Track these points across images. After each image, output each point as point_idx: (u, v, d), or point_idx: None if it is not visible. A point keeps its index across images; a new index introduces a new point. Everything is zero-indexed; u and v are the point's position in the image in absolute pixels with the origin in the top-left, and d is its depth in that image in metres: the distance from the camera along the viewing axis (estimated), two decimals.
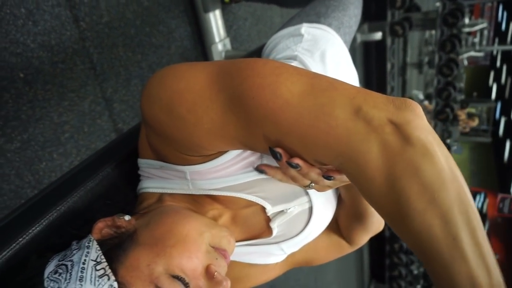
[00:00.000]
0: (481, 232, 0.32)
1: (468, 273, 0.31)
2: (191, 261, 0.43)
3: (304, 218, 0.58)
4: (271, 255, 0.62)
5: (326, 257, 0.73)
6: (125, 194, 0.55)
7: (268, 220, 0.55)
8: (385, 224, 0.71)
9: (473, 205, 0.33)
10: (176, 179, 0.51)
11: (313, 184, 0.45)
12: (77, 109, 1.00)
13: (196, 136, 0.42)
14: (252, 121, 0.39)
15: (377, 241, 3.92)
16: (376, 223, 0.68)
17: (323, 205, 0.58)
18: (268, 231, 0.56)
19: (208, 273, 0.44)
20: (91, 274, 0.38)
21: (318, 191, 0.49)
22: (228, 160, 0.48)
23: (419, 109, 0.36)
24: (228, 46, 1.62)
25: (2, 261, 0.42)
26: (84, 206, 0.49)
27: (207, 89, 0.40)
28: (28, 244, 0.44)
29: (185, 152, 0.46)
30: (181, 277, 0.41)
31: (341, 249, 0.73)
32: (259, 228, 0.57)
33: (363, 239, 0.68)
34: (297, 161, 0.40)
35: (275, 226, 0.55)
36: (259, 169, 0.46)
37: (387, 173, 0.34)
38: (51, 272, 0.39)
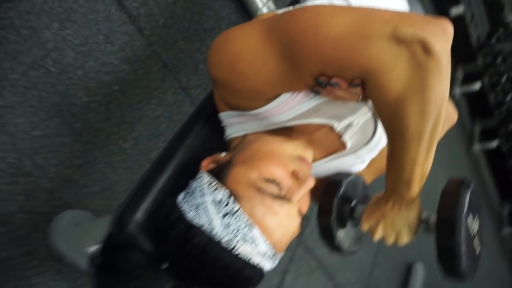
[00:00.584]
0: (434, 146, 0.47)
1: (414, 157, 0.47)
2: (278, 168, 0.54)
3: (371, 125, 0.64)
4: (352, 165, 0.69)
5: None
6: (218, 144, 0.68)
7: (339, 136, 0.63)
8: None
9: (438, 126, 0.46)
10: (252, 121, 0.62)
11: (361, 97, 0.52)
12: (164, 103, 1.19)
13: (258, 87, 0.53)
14: (301, 63, 0.48)
15: None
16: (448, 114, 0.70)
17: None
18: (342, 146, 0.64)
19: (294, 175, 0.55)
20: (208, 190, 0.52)
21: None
22: (287, 98, 0.57)
23: (450, 31, 0.43)
24: (272, 7, 1.67)
25: (149, 204, 0.59)
26: (191, 156, 0.64)
27: (261, 46, 0.50)
28: (162, 190, 0.60)
29: (251, 100, 0.57)
30: (273, 179, 0.52)
31: None
32: (333, 145, 0.65)
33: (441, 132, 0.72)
34: (335, 80, 0.47)
35: (346, 138, 0.63)
36: (315, 90, 0.53)
37: (404, 83, 0.43)
38: (181, 199, 0.54)
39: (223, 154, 0.60)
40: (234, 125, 0.65)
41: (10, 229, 0.87)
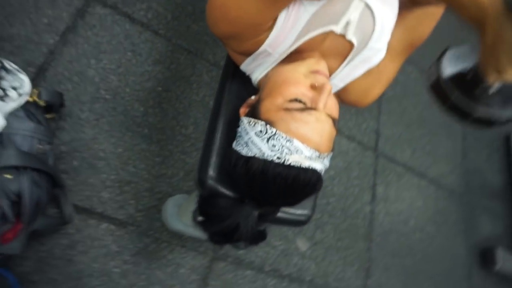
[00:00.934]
0: None
1: None
2: (296, 87, 0.62)
3: (368, 14, 0.68)
4: (371, 57, 0.74)
5: (426, 27, 0.78)
6: (251, 92, 0.78)
7: (344, 37, 0.68)
8: None
9: None
10: (266, 59, 0.71)
11: None
12: (203, 84, 1.32)
13: (254, 19, 0.61)
14: None
15: None
16: None
17: None
18: (351, 45, 0.69)
19: (312, 87, 0.63)
20: (249, 128, 0.63)
21: None
22: (283, 20, 0.64)
23: None
24: None
25: (215, 160, 0.72)
26: (232, 110, 0.76)
27: None
28: (220, 145, 0.73)
29: (256, 35, 0.65)
30: (296, 98, 0.61)
31: (434, 11, 0.77)
32: (344, 48, 0.71)
33: None
34: None
35: (350, 36, 0.68)
36: None
37: None
38: (234, 144, 0.66)
39: (253, 97, 0.70)
40: (254, 69, 0.74)
41: (136, 227, 1.09)
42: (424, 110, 1.96)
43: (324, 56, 0.72)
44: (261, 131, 0.61)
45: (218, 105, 0.79)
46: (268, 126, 0.61)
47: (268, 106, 0.63)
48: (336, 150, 1.43)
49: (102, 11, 1.20)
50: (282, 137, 0.59)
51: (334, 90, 0.77)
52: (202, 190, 0.73)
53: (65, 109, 1.05)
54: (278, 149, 0.59)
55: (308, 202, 0.81)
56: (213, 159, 0.73)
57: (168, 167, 1.18)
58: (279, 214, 0.75)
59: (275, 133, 0.60)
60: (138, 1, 1.28)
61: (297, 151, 0.59)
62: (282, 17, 0.64)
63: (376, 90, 0.81)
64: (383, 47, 0.74)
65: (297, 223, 0.82)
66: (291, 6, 0.64)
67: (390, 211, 1.60)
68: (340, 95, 0.81)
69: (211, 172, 0.72)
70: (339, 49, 0.71)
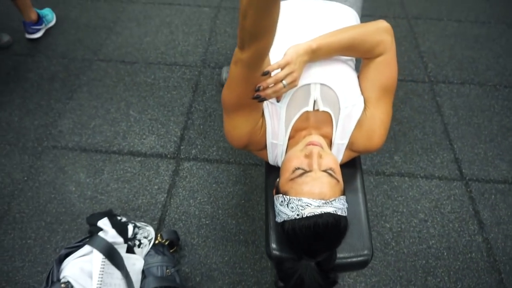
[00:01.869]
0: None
1: None
2: (295, 160, 0.87)
3: (326, 88, 0.95)
4: (351, 113, 0.97)
5: (387, 72, 0.97)
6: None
7: (319, 111, 0.94)
8: None
9: None
10: (277, 149, 0.99)
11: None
12: None
13: (247, 129, 0.95)
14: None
15: None
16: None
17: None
18: (328, 113, 0.95)
19: (306, 156, 0.86)
20: (276, 201, 0.88)
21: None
22: (269, 117, 0.95)
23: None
24: None
25: (273, 234, 0.95)
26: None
27: (226, 120, 0.96)
28: (272, 221, 0.97)
29: (257, 136, 0.97)
30: (296, 167, 0.85)
31: (381, 59, 0.96)
32: (325, 117, 0.96)
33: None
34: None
35: (323, 108, 0.94)
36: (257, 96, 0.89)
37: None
38: (275, 217, 0.90)
39: (277, 179, 0.96)
40: (276, 160, 1.02)
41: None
42: (502, 120, 1.88)
43: (316, 128, 0.96)
44: (282, 201, 0.85)
45: (266, 195, 1.05)
46: (284, 196, 0.84)
47: (282, 182, 0.88)
48: (415, 192, 1.50)
49: (188, 164, 1.68)
50: (294, 199, 0.82)
51: (342, 147, 0.98)
52: (272, 261, 0.95)
53: (181, 241, 1.42)
54: (295, 209, 0.81)
55: (364, 242, 0.95)
56: (271, 234, 0.96)
57: (267, 261, 1.41)
58: (340, 261, 0.90)
59: (289, 199, 0.83)
60: (210, 146, 1.74)
61: (307, 205, 0.80)
62: (267, 115, 0.94)
63: (377, 133, 0.99)
64: (356, 102, 0.95)
65: (360, 264, 0.94)
66: (266, 108, 0.94)
67: (509, 233, 1.47)
68: (353, 149, 1.01)
69: (273, 245, 0.95)
70: (323, 119, 0.95)
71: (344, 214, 0.83)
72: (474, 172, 1.67)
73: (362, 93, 0.97)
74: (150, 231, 1.28)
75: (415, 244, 1.44)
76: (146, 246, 1.24)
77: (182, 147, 1.75)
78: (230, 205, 1.55)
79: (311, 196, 0.80)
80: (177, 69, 2.11)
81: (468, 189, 1.61)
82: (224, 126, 0.98)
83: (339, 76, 0.95)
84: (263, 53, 0.79)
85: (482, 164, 1.70)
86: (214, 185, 1.61)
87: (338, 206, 0.82)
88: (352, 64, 1.06)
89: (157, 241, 1.31)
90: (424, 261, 1.40)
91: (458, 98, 1.98)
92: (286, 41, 0.93)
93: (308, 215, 0.79)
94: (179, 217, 1.51)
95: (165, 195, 1.58)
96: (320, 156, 0.86)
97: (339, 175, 0.86)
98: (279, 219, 0.86)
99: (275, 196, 0.90)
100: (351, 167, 1.07)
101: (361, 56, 0.97)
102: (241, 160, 1.70)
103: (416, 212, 1.53)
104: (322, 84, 0.93)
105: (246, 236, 1.47)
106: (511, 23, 2.52)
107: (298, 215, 0.80)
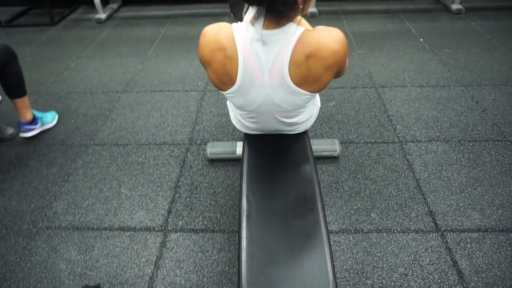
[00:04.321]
0: None
1: None
2: None
3: None
4: None
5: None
6: None
7: None
8: None
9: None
10: None
11: None
12: None
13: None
14: None
15: None
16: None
17: None
18: None
19: None
20: None
21: None
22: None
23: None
24: None
25: None
26: None
27: None
28: None
29: None
30: None
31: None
32: None
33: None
34: None
35: None
36: None
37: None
38: None
39: None
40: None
41: None
42: (470, 172, 2.00)
43: None
44: None
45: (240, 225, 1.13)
46: None
47: None
48: (393, 247, 1.56)
49: (175, 235, 1.76)
50: None
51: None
52: None
53: None
54: None
55: None
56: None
57: None
58: None
59: None
60: (196, 217, 1.84)
61: None
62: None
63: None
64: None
65: None
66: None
67: (488, 281, 1.49)
68: None
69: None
70: None
71: None
72: (448, 223, 1.74)
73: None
74: None
75: None
76: None
77: (169, 220, 1.84)
78: (215, 273, 1.60)
79: None
80: (166, 148, 2.30)
81: (444, 240, 1.66)
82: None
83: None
84: None
85: (455, 214, 1.77)
86: (199, 254, 1.67)
87: None
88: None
89: None
90: None
91: (427, 155, 2.13)
92: None
93: None
94: None
95: (152, 267, 1.63)
96: None
97: None
98: None
99: None
100: (316, 230, 1.16)
101: None
102: (226, 228, 1.78)
103: (395, 267, 1.57)
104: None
105: None
106: (468, 85, 2.78)
107: None
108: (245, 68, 1.03)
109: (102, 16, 4.41)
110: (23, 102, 2.32)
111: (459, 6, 4.15)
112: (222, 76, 1.08)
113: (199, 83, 2.99)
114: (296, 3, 0.91)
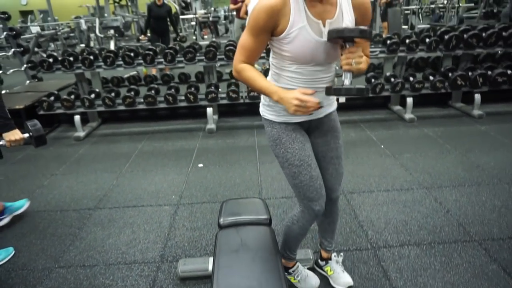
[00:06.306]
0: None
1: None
2: None
3: None
4: None
5: None
6: None
7: None
8: None
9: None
10: None
11: None
12: None
13: None
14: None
15: None
16: None
17: None
18: None
19: None
20: None
21: None
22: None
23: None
24: None
25: None
26: None
27: None
28: None
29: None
30: None
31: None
32: None
33: None
34: None
35: None
36: None
37: None
38: None
39: None
40: None
41: None
42: (444, 276, 1.99)
43: None
44: None
45: None
46: None
47: None
48: None
49: None
50: None
51: None
52: None
53: None
54: None
55: None
56: None
57: None
58: None
59: None
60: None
61: None
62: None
63: None
64: None
65: None
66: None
67: None
68: None
69: None
70: None
71: None
72: None
73: None
74: None
75: None
76: None
77: None
78: None
79: None
80: (135, 267, 2.20)
81: None
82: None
83: None
84: None
85: None
86: None
87: None
88: None
89: None
90: None
91: (400, 261, 2.13)
92: None
93: None
94: None
95: None
96: None
97: None
98: None
99: None
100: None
101: None
102: None
103: None
104: None
105: None
106: (429, 187, 2.96)
107: None
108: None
109: (81, 134, 4.60)
110: None
111: (412, 116, 4.65)
112: None
113: (173, 196, 3.03)
114: None
